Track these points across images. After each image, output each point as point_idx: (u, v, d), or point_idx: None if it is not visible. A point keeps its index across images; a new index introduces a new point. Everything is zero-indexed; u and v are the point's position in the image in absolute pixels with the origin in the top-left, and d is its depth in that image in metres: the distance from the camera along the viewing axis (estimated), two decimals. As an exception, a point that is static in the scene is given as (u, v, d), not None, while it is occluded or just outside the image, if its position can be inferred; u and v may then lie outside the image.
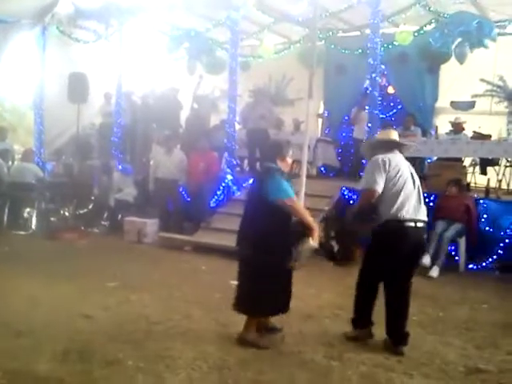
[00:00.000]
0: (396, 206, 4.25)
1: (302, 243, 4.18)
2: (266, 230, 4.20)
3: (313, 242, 4.21)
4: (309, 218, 4.28)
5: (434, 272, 6.94)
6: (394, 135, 4.65)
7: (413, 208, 4.29)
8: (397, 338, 4.31)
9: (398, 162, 4.42)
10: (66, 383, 3.59)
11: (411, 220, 4.25)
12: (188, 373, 3.77)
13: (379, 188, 4.27)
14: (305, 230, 4.22)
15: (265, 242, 4.18)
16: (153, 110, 11.09)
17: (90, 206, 9.61)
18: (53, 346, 4.13)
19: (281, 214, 4.22)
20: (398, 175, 4.31)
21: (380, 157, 4.41)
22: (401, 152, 4.57)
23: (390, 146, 4.54)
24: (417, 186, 4.39)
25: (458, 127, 8.96)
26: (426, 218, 4.39)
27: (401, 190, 4.28)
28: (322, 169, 10.69)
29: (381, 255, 4.34)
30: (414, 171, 4.49)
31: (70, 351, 4.06)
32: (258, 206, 4.32)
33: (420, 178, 7.33)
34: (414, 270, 4.43)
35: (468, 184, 8.49)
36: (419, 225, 4.30)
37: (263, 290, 4.23)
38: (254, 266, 4.27)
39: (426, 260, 6.98)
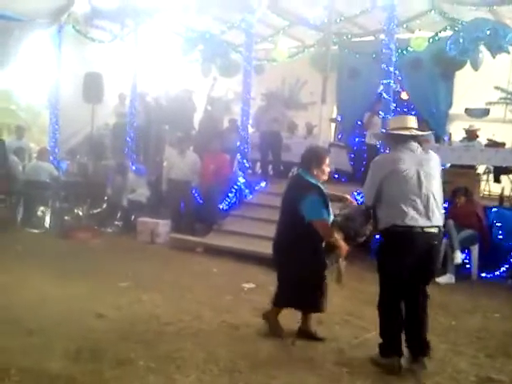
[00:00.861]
0: (395, 211, 3.93)
1: (332, 259, 4.32)
2: (296, 241, 4.39)
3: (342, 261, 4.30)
4: (336, 238, 4.25)
5: (442, 279, 6.90)
6: (408, 122, 4.16)
7: (416, 213, 3.89)
8: (418, 348, 4.04)
9: (402, 159, 3.97)
10: (77, 382, 3.62)
11: (412, 226, 3.88)
12: (198, 375, 3.79)
13: (368, 201, 4.11)
14: (334, 249, 4.29)
15: (295, 252, 4.40)
16: (166, 111, 11.15)
17: (104, 206, 9.67)
18: (64, 344, 4.17)
19: (312, 229, 4.33)
20: (398, 177, 3.93)
21: (377, 159, 4.22)
22: (419, 143, 4.11)
23: (398, 138, 4.09)
24: (424, 187, 3.92)
25: (472, 134, 8.91)
26: (435, 223, 3.95)
27: (399, 194, 3.92)
28: (335, 173, 10.69)
29: (387, 267, 4.08)
30: (428, 170, 3.99)
31: (82, 350, 4.10)
32: (291, 216, 4.44)
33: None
34: (429, 277, 4.14)
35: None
36: (426, 230, 3.91)
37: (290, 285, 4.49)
38: (285, 271, 4.56)
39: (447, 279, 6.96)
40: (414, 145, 4.07)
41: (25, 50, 11.17)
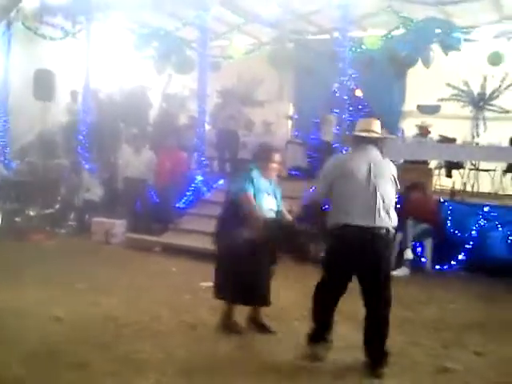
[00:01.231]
0: (340, 211, 3.97)
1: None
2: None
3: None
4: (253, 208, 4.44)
5: (397, 272, 7.04)
6: (371, 125, 4.17)
7: (360, 213, 3.89)
8: (375, 358, 3.98)
9: (355, 161, 4.04)
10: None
11: (354, 226, 3.87)
12: (157, 377, 3.72)
13: (317, 195, 4.32)
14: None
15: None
16: (120, 108, 10.96)
17: (57, 206, 9.41)
18: (19, 349, 4.03)
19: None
20: (347, 178, 3.97)
21: (331, 158, 4.36)
22: (378, 146, 4.12)
23: (357, 140, 4.15)
24: (372, 189, 3.91)
25: (424, 131, 9.12)
26: (379, 224, 3.90)
27: (346, 194, 3.96)
28: (292, 170, 10.74)
29: (326, 262, 4.15)
30: (379, 173, 3.98)
31: (38, 354, 3.98)
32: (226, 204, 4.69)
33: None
34: (377, 280, 4.00)
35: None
36: (369, 231, 3.88)
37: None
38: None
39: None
40: (371, 148, 4.09)
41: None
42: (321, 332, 4.16)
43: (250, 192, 4.47)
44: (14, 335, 4.33)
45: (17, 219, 9.06)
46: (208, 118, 9.99)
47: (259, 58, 11.11)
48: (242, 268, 4.31)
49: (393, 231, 4.06)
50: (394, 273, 6.86)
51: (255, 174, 4.58)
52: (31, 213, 9.23)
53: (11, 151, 11.02)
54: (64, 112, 11.34)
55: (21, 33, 10.94)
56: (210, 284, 5.48)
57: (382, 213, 3.93)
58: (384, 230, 3.95)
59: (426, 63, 8.75)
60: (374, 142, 4.14)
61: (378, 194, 3.92)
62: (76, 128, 10.54)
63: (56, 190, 9.54)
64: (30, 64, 10.80)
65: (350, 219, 3.90)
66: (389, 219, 3.97)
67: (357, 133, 4.18)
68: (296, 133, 11.78)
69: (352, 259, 3.95)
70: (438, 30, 8.30)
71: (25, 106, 10.68)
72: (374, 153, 4.09)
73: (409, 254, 7.19)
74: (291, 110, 12.10)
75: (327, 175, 4.12)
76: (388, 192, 4.00)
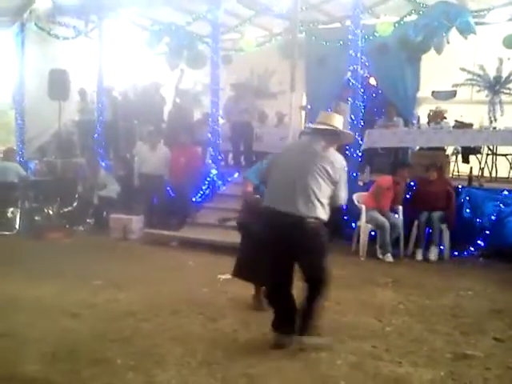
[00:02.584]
0: (268, 195, 4.24)
1: None
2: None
3: None
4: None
5: (419, 256, 7.24)
6: (328, 119, 4.24)
7: (282, 200, 4.03)
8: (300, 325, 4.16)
9: (290, 151, 4.44)
10: (52, 383, 3.55)
11: (278, 211, 4.01)
12: (177, 369, 3.76)
13: (257, 179, 4.83)
14: None
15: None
16: (134, 105, 11.02)
17: (75, 204, 9.52)
18: (39, 346, 4.10)
19: None
20: (277, 166, 4.26)
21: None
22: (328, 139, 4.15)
23: (304, 131, 4.65)
24: (296, 178, 4.01)
25: (437, 116, 9.01)
26: (292, 211, 3.95)
27: (274, 180, 4.21)
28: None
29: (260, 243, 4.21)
30: (308, 164, 4.03)
31: (57, 351, 4.03)
32: None
33: (403, 165, 7.44)
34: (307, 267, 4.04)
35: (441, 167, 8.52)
36: (285, 216, 3.96)
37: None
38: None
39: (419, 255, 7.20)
40: (314, 140, 4.18)
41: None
42: (282, 320, 4.21)
43: (251, 180, 4.88)
44: (34, 331, 4.39)
45: (36, 218, 9.19)
46: (221, 111, 10.00)
47: (271, 50, 11.07)
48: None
49: (320, 221, 4.05)
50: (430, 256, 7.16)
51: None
52: (50, 211, 9.36)
53: (29, 151, 11.16)
54: (75, 111, 11.45)
55: (34, 34, 11.07)
56: (228, 276, 5.55)
57: (303, 202, 3.97)
58: (306, 219, 3.97)
59: (438, 49, 8.63)
60: (322, 134, 4.17)
61: (299, 183, 4.00)
62: (88, 126, 10.63)
63: (74, 188, 9.65)
64: (44, 64, 10.89)
65: (274, 204, 4.09)
66: (314, 209, 3.99)
67: (313, 125, 4.32)
68: (309, 123, 11.73)
69: (274, 241, 4.05)
70: (450, 15, 8.18)
71: (41, 107, 10.79)
72: (315, 145, 4.14)
73: (419, 255, 7.29)
74: (304, 101, 12.04)
75: (269, 161, 4.54)
76: (314, 184, 4.01)
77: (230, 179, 9.24)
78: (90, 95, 11.10)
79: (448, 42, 8.48)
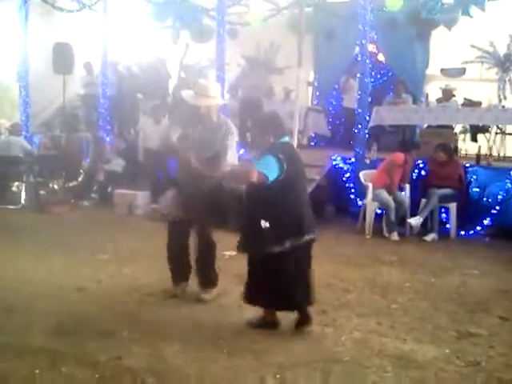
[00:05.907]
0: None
1: None
2: None
3: None
4: None
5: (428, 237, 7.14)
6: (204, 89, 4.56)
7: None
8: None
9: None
10: (60, 354, 3.58)
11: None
12: (183, 344, 3.78)
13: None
14: None
15: None
16: (139, 79, 10.92)
17: (80, 179, 9.51)
18: (46, 319, 4.12)
19: None
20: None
21: None
22: None
23: None
24: None
25: (447, 94, 8.90)
26: None
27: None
28: (313, 138, 10.64)
29: None
30: None
31: (64, 324, 4.07)
32: None
33: (412, 145, 7.37)
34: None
35: (455, 148, 8.46)
36: None
37: None
38: None
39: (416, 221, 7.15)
40: None
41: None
42: (177, 274, 4.79)
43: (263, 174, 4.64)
44: (41, 305, 4.42)
45: (41, 192, 9.19)
46: (228, 86, 9.88)
47: (277, 24, 10.90)
48: None
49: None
50: (426, 237, 7.10)
51: None
52: (55, 186, 9.36)
53: (33, 125, 11.11)
54: (80, 85, 11.37)
55: (38, 6, 10.92)
56: (233, 253, 5.53)
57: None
58: None
59: (449, 25, 8.49)
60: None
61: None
62: (93, 101, 10.55)
63: (79, 162, 9.63)
64: (49, 38, 10.79)
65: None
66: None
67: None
68: (316, 99, 11.63)
69: None
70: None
71: (45, 80, 10.71)
72: None
73: (414, 221, 7.21)
74: (311, 76, 11.90)
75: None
76: None
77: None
78: (95, 69, 11.00)
79: (471, 16, 8.29)
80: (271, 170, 3.82)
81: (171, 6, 10.27)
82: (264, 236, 3.83)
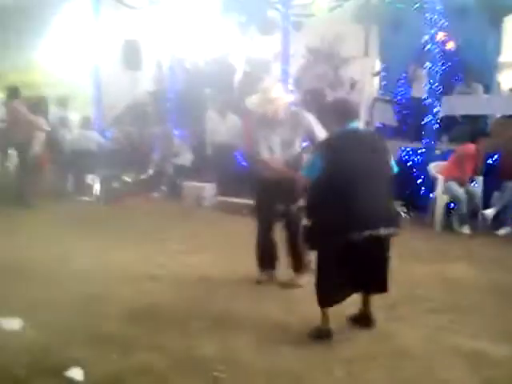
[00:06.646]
0: None
1: None
2: None
3: None
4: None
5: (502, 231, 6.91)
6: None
7: None
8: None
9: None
10: (130, 341, 3.71)
11: None
12: (251, 334, 3.85)
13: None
14: None
15: None
16: (205, 74, 11.10)
17: (150, 172, 9.82)
18: (119, 307, 4.30)
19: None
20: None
21: None
22: None
23: None
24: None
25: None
26: None
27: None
28: (380, 129, 10.43)
29: None
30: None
31: (135, 311, 4.22)
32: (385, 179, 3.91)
33: (484, 135, 7.09)
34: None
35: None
36: None
37: None
38: None
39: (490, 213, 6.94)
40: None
41: (63, 20, 11.26)
42: (264, 261, 4.96)
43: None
44: (114, 293, 4.61)
45: (114, 184, 9.57)
46: (292, 79, 9.87)
47: (342, 14, 10.75)
48: None
49: None
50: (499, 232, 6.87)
51: None
52: (127, 178, 9.72)
53: (105, 121, 11.53)
54: (151, 81, 11.67)
55: (107, 4, 11.27)
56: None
57: None
58: None
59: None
60: None
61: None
62: (164, 96, 10.82)
63: (149, 156, 9.94)
64: (119, 34, 11.12)
65: None
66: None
67: None
68: (383, 90, 11.41)
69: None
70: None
71: (114, 76, 11.07)
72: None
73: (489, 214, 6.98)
74: (378, 67, 11.68)
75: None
76: None
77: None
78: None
79: None
80: (312, 168, 3.80)
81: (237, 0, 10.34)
82: (312, 232, 3.88)
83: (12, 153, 9.73)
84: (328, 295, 3.79)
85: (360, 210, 3.63)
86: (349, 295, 3.88)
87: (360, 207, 3.63)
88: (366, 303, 4.02)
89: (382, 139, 4.09)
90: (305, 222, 4.03)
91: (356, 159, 3.69)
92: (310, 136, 4.67)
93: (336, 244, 3.69)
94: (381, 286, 3.92)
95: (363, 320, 4.00)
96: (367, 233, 3.64)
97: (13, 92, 8.51)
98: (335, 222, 3.65)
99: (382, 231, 3.71)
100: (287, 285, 4.83)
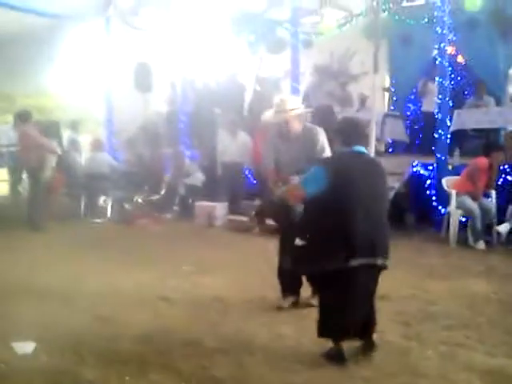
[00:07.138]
0: None
1: None
2: None
3: None
4: None
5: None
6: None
7: None
8: None
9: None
10: (147, 361, 3.70)
11: None
12: (265, 354, 3.79)
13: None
14: None
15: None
16: (216, 94, 11.18)
17: (162, 192, 9.86)
18: (133, 328, 4.28)
19: None
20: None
21: None
22: None
23: None
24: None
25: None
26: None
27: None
28: (391, 145, 10.42)
29: None
30: None
31: (150, 333, 4.20)
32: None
33: (496, 148, 7.04)
34: None
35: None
36: None
37: None
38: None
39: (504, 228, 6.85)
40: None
41: (74, 44, 11.44)
42: (286, 287, 4.78)
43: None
44: (127, 314, 4.59)
45: (126, 206, 9.61)
46: (302, 97, 9.89)
47: (352, 31, 10.80)
48: None
49: None
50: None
51: None
52: (139, 199, 9.77)
53: (117, 143, 11.63)
54: (165, 102, 11.77)
55: (118, 27, 11.45)
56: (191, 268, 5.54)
57: None
58: None
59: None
60: None
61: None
62: (176, 117, 10.90)
63: (161, 177, 9.99)
64: (129, 56, 11.26)
65: None
66: None
67: None
68: (393, 105, 11.41)
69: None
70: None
71: (126, 99, 11.18)
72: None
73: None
74: (387, 82, 11.69)
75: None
76: None
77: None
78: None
79: None
80: (313, 183, 3.61)
81: (247, 20, 10.43)
82: (300, 255, 3.68)
83: (25, 177, 9.81)
84: (341, 327, 3.63)
85: (362, 235, 3.49)
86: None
87: (362, 232, 3.49)
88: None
89: (381, 165, 3.92)
90: (297, 241, 3.66)
91: (362, 183, 3.57)
92: (319, 155, 4.55)
93: (334, 269, 3.51)
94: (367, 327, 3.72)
95: (364, 348, 3.78)
96: (364, 260, 3.51)
97: (24, 116, 8.61)
98: (335, 244, 3.50)
99: (379, 261, 3.59)
100: (301, 304, 4.76)
